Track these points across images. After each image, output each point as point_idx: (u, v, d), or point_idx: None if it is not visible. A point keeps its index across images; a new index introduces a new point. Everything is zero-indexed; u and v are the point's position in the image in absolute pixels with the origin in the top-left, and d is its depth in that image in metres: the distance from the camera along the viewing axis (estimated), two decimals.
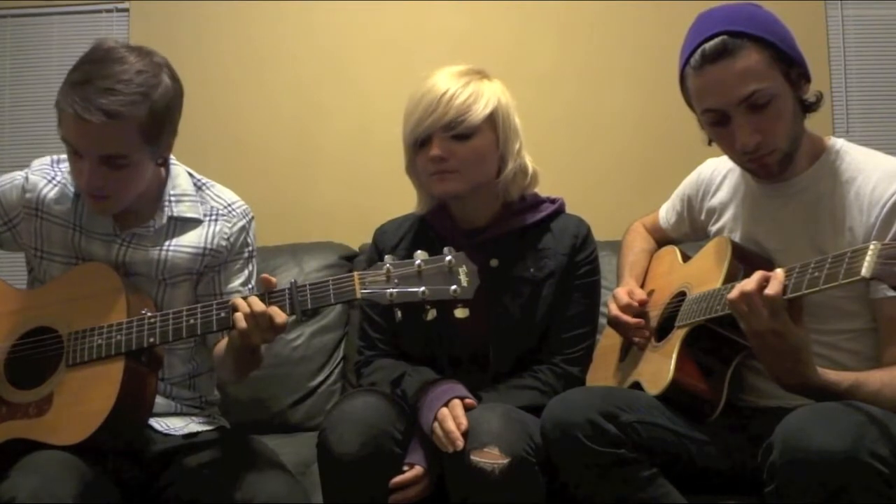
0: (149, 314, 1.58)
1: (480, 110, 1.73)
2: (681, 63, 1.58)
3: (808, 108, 1.59)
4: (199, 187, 1.79)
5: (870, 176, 1.54)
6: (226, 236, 1.77)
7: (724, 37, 1.51)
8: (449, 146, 1.72)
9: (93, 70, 1.55)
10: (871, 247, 1.24)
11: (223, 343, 1.68)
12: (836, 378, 1.44)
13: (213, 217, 1.77)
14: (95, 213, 1.69)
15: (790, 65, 1.54)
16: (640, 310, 1.76)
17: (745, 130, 1.53)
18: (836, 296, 1.52)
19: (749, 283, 1.40)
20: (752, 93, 1.51)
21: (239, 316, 1.49)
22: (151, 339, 1.56)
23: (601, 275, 1.88)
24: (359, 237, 2.54)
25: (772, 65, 1.51)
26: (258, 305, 1.49)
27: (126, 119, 1.54)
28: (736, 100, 1.52)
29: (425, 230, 1.87)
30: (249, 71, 2.98)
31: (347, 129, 2.94)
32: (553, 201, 1.87)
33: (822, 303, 1.54)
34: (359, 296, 1.47)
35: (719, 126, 1.57)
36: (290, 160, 2.95)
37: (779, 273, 1.39)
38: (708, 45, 1.52)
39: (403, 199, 1.91)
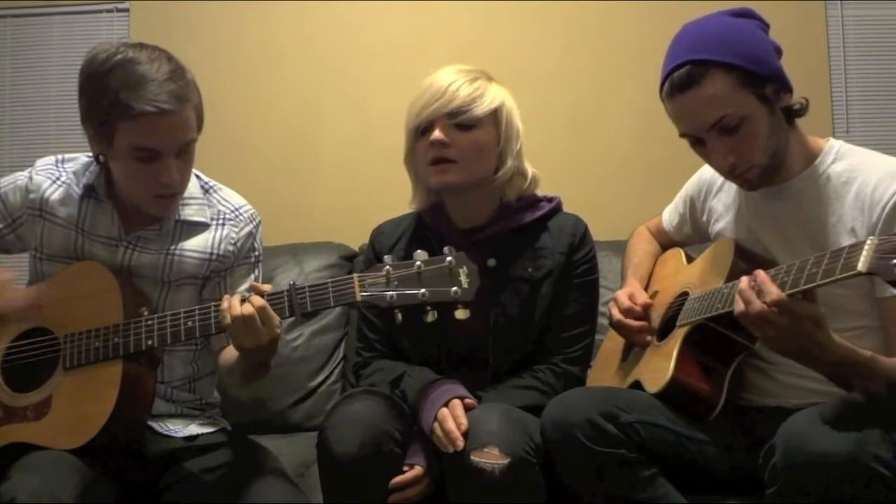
0: (146, 314, 1.57)
1: (486, 104, 1.74)
2: (659, 88, 1.61)
3: (795, 114, 1.60)
4: (206, 190, 1.78)
5: (869, 176, 1.55)
6: (233, 241, 1.75)
7: (689, 66, 1.53)
8: (451, 133, 1.73)
9: (130, 71, 1.53)
10: (869, 242, 1.24)
11: (230, 350, 1.66)
12: (853, 347, 1.42)
13: (221, 221, 1.76)
14: (162, 213, 1.68)
15: (762, 83, 1.54)
16: (642, 313, 1.76)
17: (719, 153, 1.57)
18: (841, 294, 1.52)
19: (756, 304, 1.37)
20: (721, 118, 1.53)
21: (223, 312, 1.48)
22: (150, 342, 1.55)
23: (601, 274, 1.88)
24: (359, 237, 2.53)
25: (739, 88, 1.52)
26: (247, 308, 1.47)
27: (191, 102, 1.59)
28: (705, 126, 1.55)
29: (422, 229, 1.87)
30: (249, 71, 2.97)
31: (347, 129, 2.94)
32: (550, 200, 1.87)
33: (827, 301, 1.52)
34: (359, 298, 1.46)
35: (698, 146, 1.61)
36: (291, 160, 2.95)
37: (760, 274, 1.39)
38: (675, 75, 1.55)
39: (403, 200, 1.90)
